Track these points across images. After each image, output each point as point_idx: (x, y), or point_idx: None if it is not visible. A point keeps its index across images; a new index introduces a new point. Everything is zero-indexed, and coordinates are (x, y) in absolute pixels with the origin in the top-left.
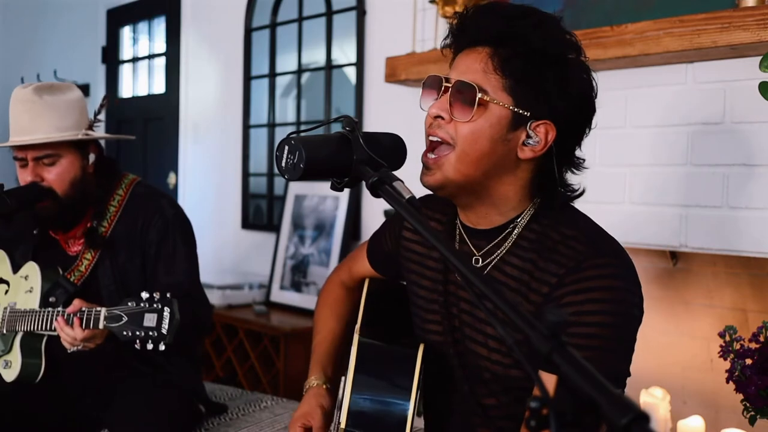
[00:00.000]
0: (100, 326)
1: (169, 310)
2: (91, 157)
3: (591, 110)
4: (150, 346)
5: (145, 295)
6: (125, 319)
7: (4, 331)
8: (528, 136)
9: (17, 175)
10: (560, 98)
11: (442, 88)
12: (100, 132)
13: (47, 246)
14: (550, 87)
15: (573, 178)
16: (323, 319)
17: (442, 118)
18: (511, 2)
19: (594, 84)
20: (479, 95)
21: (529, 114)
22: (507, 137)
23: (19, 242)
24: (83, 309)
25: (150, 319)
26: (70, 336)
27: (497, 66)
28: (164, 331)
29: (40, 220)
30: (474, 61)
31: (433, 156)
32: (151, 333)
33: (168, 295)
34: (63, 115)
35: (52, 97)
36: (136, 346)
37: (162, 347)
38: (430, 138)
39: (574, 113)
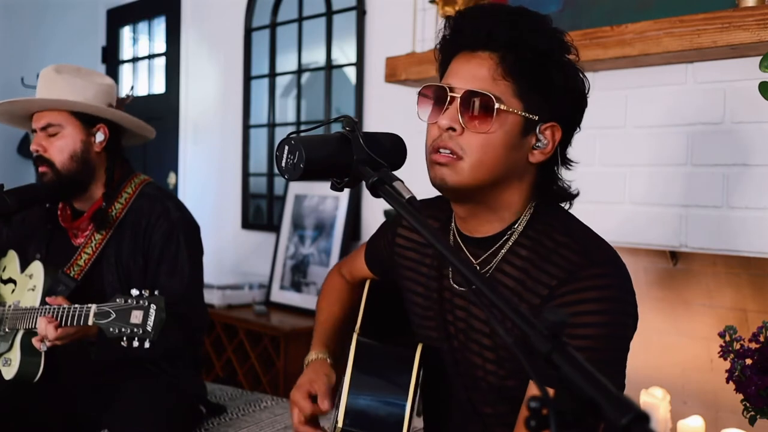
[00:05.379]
0: (90, 322)
1: (155, 307)
2: (99, 136)
3: (586, 105)
4: (136, 344)
5: (134, 292)
6: (113, 315)
7: (7, 329)
8: (537, 139)
9: (32, 155)
10: (566, 98)
11: (448, 99)
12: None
13: (57, 237)
14: (557, 88)
15: (567, 177)
16: (325, 305)
17: (454, 130)
18: (509, 2)
19: (586, 79)
20: (497, 105)
21: (537, 118)
22: (520, 143)
23: (30, 239)
24: (75, 306)
25: (136, 317)
26: (42, 333)
27: (507, 72)
28: (149, 329)
29: (42, 188)
30: (479, 67)
31: (446, 157)
32: (136, 330)
33: (156, 292)
34: (77, 92)
35: (70, 77)
36: (122, 343)
37: (147, 345)
38: (440, 151)
39: (576, 111)
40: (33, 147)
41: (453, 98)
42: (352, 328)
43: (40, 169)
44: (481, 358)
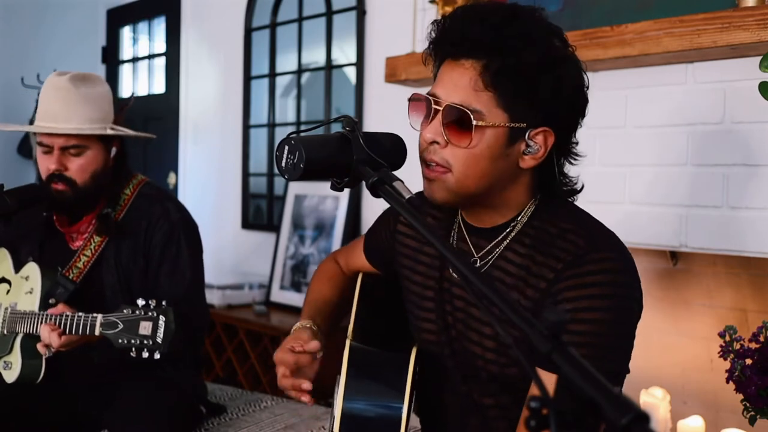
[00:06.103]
0: (96, 332)
1: (164, 318)
2: (113, 151)
3: (585, 102)
4: (145, 355)
5: (141, 302)
6: (121, 326)
7: (5, 332)
8: (527, 146)
9: (36, 161)
10: (555, 102)
11: (432, 111)
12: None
13: (52, 241)
14: (545, 94)
15: (571, 172)
16: (316, 286)
17: (438, 143)
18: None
19: (585, 75)
20: (475, 122)
21: (525, 125)
22: (506, 152)
23: (24, 240)
24: (80, 314)
25: (145, 328)
26: (46, 341)
27: (488, 82)
28: (159, 340)
29: (51, 202)
30: (461, 77)
31: (434, 171)
32: (145, 341)
33: (164, 303)
34: (94, 108)
35: (86, 89)
36: (131, 354)
37: (157, 356)
38: (429, 165)
39: (570, 111)
40: (53, 166)
41: (436, 111)
42: (340, 313)
43: (57, 186)
44: (480, 347)
